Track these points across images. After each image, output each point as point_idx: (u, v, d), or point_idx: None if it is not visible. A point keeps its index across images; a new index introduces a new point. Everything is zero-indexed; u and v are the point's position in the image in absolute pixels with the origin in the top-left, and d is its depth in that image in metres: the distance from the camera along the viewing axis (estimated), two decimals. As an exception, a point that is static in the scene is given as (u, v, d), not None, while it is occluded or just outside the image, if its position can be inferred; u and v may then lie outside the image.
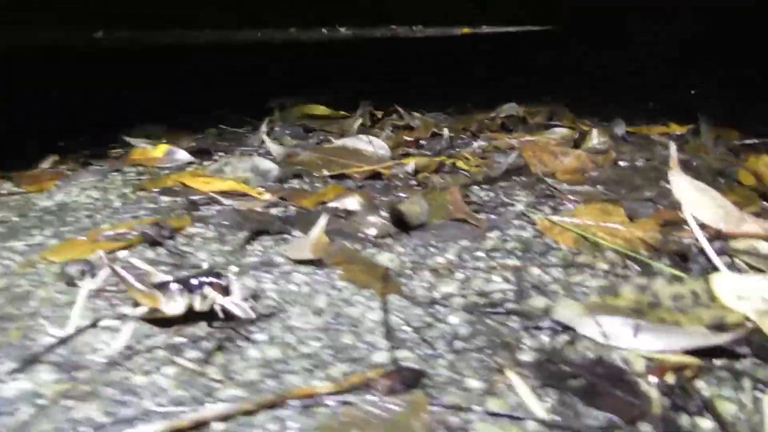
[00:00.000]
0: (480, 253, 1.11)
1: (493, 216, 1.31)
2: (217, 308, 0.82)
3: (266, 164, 1.68)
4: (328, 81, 3.44)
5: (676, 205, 1.21)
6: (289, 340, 0.81)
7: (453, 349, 0.79)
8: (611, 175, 1.52)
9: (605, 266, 1.04)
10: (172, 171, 1.69)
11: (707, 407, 0.66)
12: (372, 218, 1.27)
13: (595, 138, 1.83)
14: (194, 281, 0.85)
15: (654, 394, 0.67)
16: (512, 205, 1.37)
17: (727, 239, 1.10)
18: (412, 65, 4.23)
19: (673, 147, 1.31)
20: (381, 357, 0.78)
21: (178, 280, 0.86)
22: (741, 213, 1.18)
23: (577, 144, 1.81)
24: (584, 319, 0.82)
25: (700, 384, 0.70)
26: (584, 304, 0.84)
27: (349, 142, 1.86)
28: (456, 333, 0.83)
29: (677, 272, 0.98)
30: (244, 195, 1.52)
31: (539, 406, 0.66)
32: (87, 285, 0.86)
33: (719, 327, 0.79)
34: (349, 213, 1.33)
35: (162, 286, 0.86)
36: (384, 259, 1.10)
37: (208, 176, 1.66)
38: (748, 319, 0.81)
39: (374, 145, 1.83)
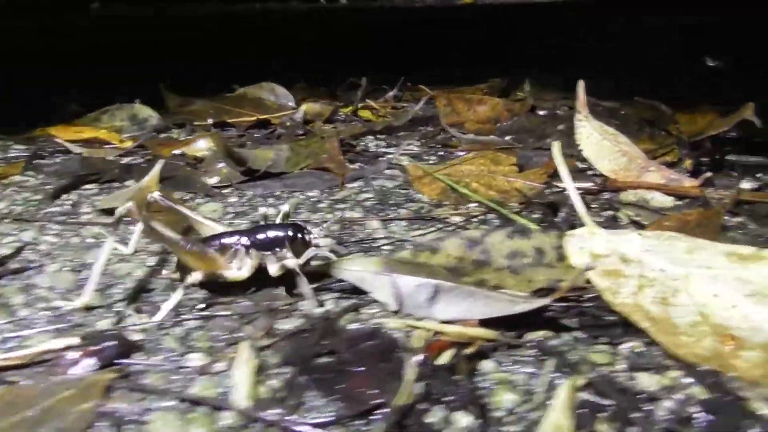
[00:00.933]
0: (323, 205, 0.93)
1: (366, 166, 1.11)
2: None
3: (146, 113, 1.49)
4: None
5: (576, 153, 1.02)
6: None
7: (202, 315, 0.61)
8: (525, 124, 1.31)
9: (459, 219, 0.84)
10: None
11: (474, 399, 0.47)
12: (219, 165, 1.08)
13: (527, 88, 1.62)
14: (262, 235, 0.65)
15: (410, 377, 0.49)
16: (392, 154, 1.17)
17: (619, 190, 0.90)
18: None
19: (581, 87, 1.11)
20: (106, 323, 0.60)
21: (239, 235, 0.66)
22: (648, 161, 0.98)
23: (504, 93, 1.61)
24: (379, 278, 0.63)
25: (488, 365, 0.52)
26: (384, 260, 0.65)
27: (251, 90, 1.66)
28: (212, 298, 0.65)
29: (533, 225, 0.79)
30: (106, 143, 1.34)
31: (246, 392, 0.48)
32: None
33: (549, 291, 0.60)
34: (199, 160, 1.14)
35: (218, 244, 0.65)
36: (207, 209, 0.92)
37: (81, 126, 1.49)
38: (589, 282, 0.62)
39: (277, 94, 1.63)
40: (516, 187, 0.95)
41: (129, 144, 1.30)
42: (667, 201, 0.84)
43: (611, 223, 0.80)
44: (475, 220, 0.84)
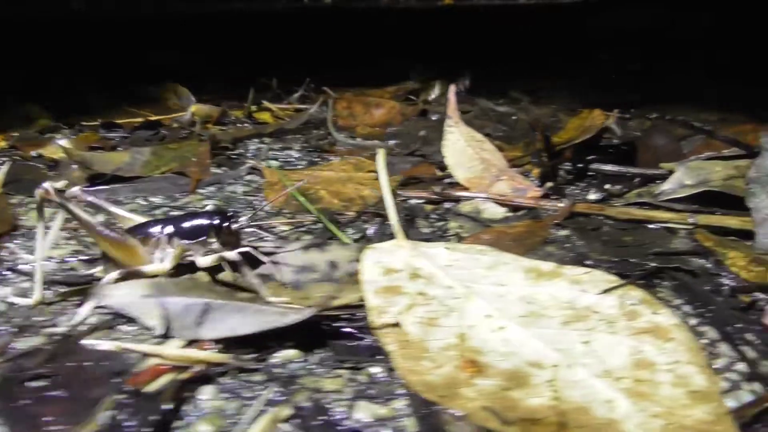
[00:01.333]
0: (158, 211, 0.89)
1: (229, 170, 1.07)
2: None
3: (35, 112, 1.45)
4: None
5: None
6: None
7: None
8: (411, 129, 1.28)
9: (287, 228, 0.81)
10: None
11: (165, 430, 0.43)
12: (73, 167, 1.04)
13: (436, 91, 1.59)
14: (187, 224, 0.62)
15: (101, 407, 0.45)
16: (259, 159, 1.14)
17: (459, 200, 0.87)
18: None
19: (452, 92, 1.08)
20: None
21: (164, 223, 0.63)
22: (505, 170, 0.95)
23: (414, 96, 1.58)
24: (145, 302, 0.59)
25: (207, 392, 0.48)
26: (153, 282, 0.61)
27: (155, 90, 1.62)
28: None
29: (345, 238, 0.75)
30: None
31: None
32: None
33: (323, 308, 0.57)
34: (56, 162, 1.10)
35: (142, 233, 0.62)
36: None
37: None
38: (362, 299, 0.58)
39: (179, 95, 1.59)
40: (362, 194, 0.91)
41: (2, 144, 1.25)
42: (499, 212, 0.81)
43: (439, 235, 0.77)
44: (303, 229, 0.80)
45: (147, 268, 0.61)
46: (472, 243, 0.72)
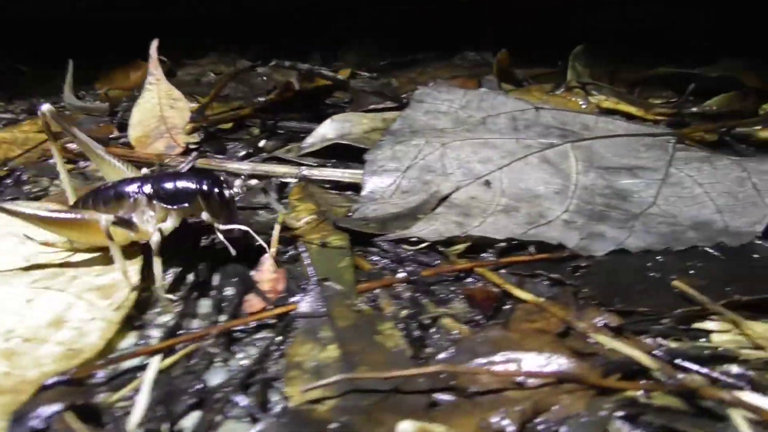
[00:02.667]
0: None
1: None
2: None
3: None
4: None
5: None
6: None
7: None
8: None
9: None
10: None
11: None
12: None
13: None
14: (169, 185, 0.55)
15: None
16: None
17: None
18: None
19: (153, 47, 1.04)
20: None
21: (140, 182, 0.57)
22: (176, 128, 0.93)
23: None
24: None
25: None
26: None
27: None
28: None
29: None
30: None
31: None
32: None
33: None
34: None
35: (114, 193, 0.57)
36: None
37: None
38: None
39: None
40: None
41: None
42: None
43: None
44: None
45: (134, 234, 0.56)
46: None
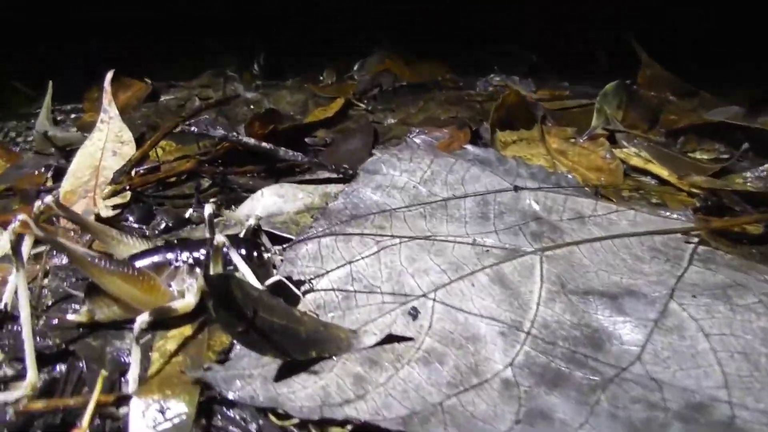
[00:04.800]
0: None
1: None
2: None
3: None
4: None
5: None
6: None
7: None
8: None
9: None
10: None
11: None
12: None
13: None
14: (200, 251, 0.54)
15: None
16: None
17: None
18: None
19: (107, 80, 0.93)
20: None
21: (176, 250, 0.54)
22: (102, 185, 0.81)
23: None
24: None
25: None
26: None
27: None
28: None
29: None
30: None
31: None
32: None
33: None
34: None
35: (152, 263, 0.54)
36: None
37: None
38: None
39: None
40: None
41: None
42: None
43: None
44: None
45: (176, 304, 0.51)
46: None
